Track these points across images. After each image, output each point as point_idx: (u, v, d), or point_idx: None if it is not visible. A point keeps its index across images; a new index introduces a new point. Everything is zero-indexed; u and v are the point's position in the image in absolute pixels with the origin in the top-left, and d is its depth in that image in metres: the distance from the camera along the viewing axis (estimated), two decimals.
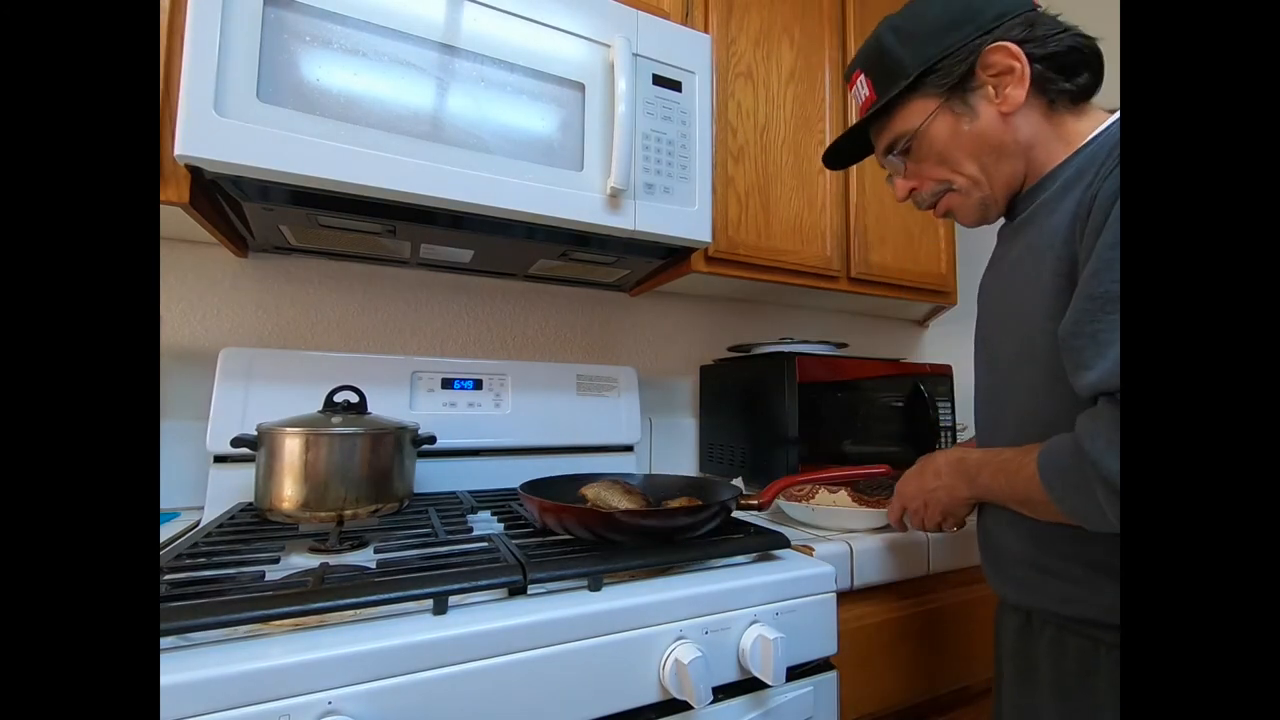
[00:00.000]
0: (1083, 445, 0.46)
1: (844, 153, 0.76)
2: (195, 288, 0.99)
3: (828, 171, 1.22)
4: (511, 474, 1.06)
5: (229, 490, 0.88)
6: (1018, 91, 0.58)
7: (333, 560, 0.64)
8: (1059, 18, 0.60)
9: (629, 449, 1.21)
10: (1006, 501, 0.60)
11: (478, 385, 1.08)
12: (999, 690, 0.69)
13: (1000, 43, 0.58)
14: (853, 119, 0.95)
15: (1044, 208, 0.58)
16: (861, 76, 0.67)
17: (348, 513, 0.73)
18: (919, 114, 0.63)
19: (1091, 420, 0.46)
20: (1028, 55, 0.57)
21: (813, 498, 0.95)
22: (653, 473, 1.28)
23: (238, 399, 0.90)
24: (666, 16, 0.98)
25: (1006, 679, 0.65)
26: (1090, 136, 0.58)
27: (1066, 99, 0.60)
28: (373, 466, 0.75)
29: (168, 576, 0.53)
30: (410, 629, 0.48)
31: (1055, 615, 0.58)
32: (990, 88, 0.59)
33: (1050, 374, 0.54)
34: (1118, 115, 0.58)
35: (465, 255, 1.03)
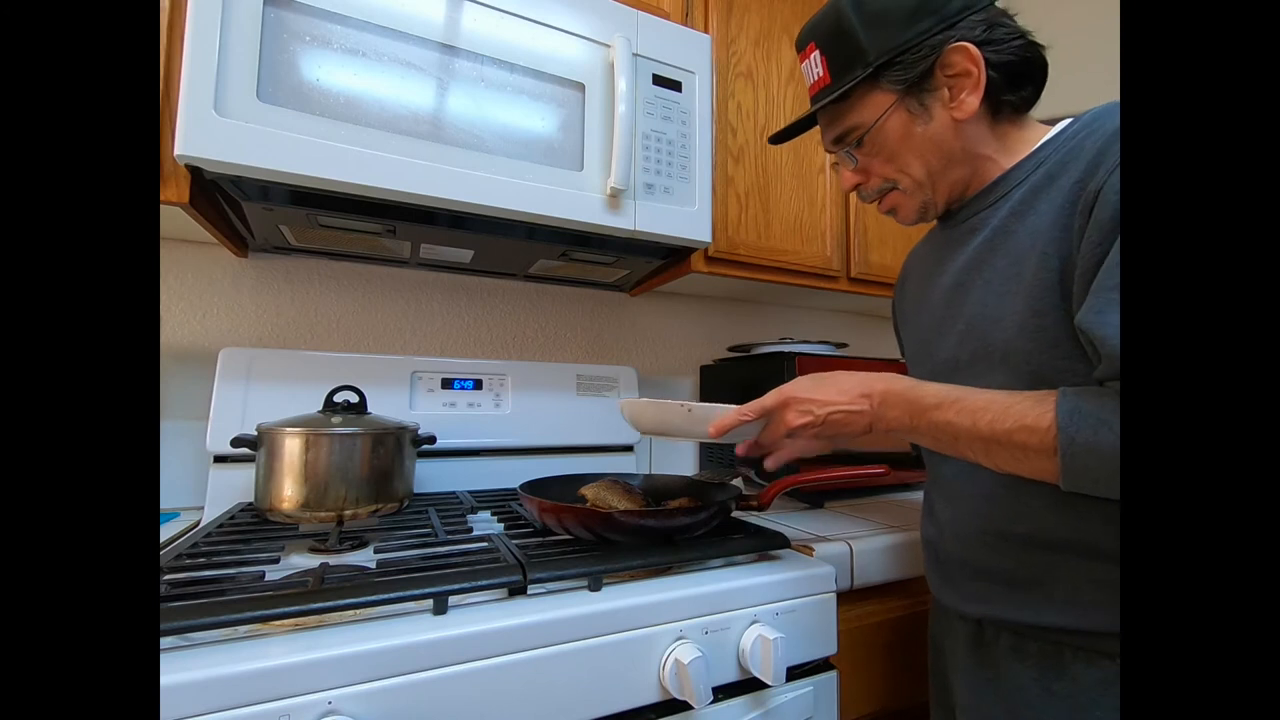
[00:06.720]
0: (1104, 417, 0.43)
1: (789, 130, 0.71)
2: (195, 288, 0.99)
3: (828, 171, 1.22)
4: (511, 474, 1.06)
5: (229, 490, 0.88)
6: (973, 98, 0.56)
7: (333, 560, 0.64)
8: (1015, 17, 0.58)
9: (629, 449, 1.21)
10: (961, 441, 0.52)
11: (478, 385, 1.08)
12: (945, 709, 0.67)
13: (962, 43, 0.55)
14: None
15: (1012, 214, 0.57)
16: (816, 52, 0.62)
17: (348, 513, 0.73)
18: (875, 108, 0.60)
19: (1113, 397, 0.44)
20: (985, 61, 0.55)
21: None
22: (652, 473, 1.28)
23: (238, 399, 0.90)
24: (666, 16, 0.98)
25: (962, 692, 0.62)
26: (1039, 143, 0.57)
27: (1009, 110, 0.59)
28: (373, 466, 0.75)
29: (168, 576, 0.53)
30: (410, 629, 0.48)
31: (1011, 623, 0.56)
32: (946, 90, 0.57)
33: (1029, 372, 0.52)
34: (1066, 121, 0.56)
35: (465, 255, 1.03)
